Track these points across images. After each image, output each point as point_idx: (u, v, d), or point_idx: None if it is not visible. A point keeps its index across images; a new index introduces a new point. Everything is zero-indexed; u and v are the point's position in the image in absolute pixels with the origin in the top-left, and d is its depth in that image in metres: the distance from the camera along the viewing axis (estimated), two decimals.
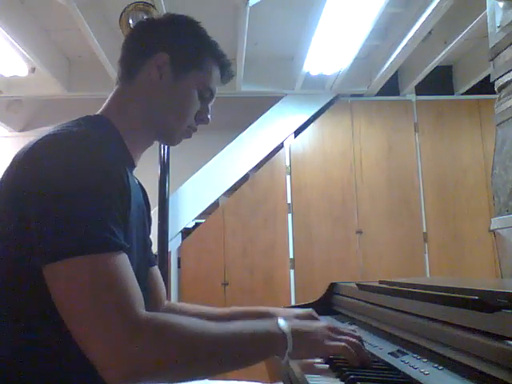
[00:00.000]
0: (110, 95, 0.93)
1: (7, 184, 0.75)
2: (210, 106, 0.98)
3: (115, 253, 0.68)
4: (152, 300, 1.02)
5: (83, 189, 0.69)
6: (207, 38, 0.96)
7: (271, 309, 1.08)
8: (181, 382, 0.73)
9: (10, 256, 0.73)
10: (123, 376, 0.64)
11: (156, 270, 1.08)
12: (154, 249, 3.21)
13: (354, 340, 0.83)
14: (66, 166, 0.70)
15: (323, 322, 0.88)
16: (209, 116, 0.97)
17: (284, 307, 1.26)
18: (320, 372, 0.83)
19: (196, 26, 0.95)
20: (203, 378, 0.74)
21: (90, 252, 0.66)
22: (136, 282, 0.70)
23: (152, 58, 0.90)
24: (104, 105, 0.92)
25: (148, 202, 1.02)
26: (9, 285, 0.73)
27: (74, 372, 0.72)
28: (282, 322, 0.79)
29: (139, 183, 0.98)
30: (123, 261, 0.69)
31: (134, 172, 0.95)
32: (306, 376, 0.79)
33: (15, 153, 0.78)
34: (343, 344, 0.81)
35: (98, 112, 0.91)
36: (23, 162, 0.73)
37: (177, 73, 0.91)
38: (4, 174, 0.76)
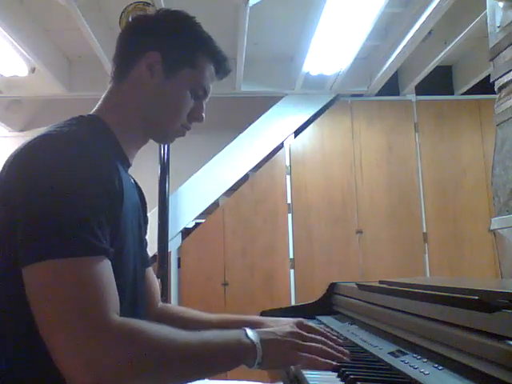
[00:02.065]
0: (104, 94, 0.92)
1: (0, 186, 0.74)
2: (204, 103, 0.96)
3: (95, 257, 0.67)
4: (146, 301, 1.01)
5: (68, 191, 0.68)
6: (201, 34, 0.93)
7: (263, 319, 1.06)
8: None
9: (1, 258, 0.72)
10: (90, 382, 0.62)
11: (150, 271, 1.07)
12: (154, 249, 3.25)
13: (321, 346, 0.83)
14: (53, 168, 0.70)
15: (288, 327, 0.86)
16: (203, 114, 0.95)
17: (282, 307, 1.26)
18: (320, 371, 0.83)
19: (190, 21, 0.93)
20: None
21: (68, 255, 0.65)
22: (114, 287, 0.69)
23: (143, 57, 0.89)
24: (98, 104, 0.91)
25: (144, 202, 1.01)
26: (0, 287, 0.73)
27: (53, 377, 0.70)
28: (250, 332, 0.79)
29: (135, 182, 0.97)
30: (102, 265, 0.68)
31: (133, 171, 0.95)
32: (306, 376, 0.79)
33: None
34: (312, 357, 0.81)
35: (92, 111, 0.90)
36: (14, 163, 0.73)
37: (168, 71, 0.89)
38: None
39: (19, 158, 0.73)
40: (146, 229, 1.00)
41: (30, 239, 0.66)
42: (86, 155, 0.73)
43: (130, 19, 0.99)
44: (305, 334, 0.86)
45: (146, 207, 1.02)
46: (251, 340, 0.78)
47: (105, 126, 0.86)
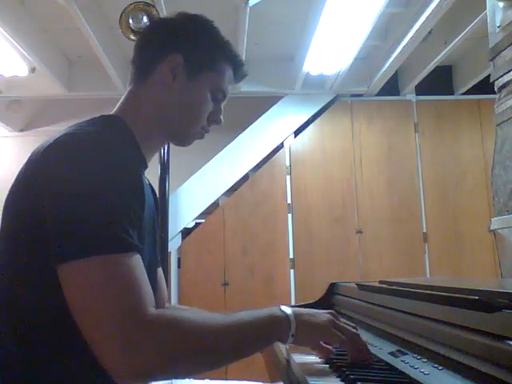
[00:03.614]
0: (124, 95, 0.94)
1: (24, 182, 0.75)
2: (222, 106, 0.98)
3: (129, 253, 0.69)
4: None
5: (99, 189, 0.70)
6: (220, 38, 0.95)
7: None
8: (194, 374, 0.74)
9: (21, 255, 0.73)
10: (136, 376, 0.64)
11: (160, 271, 1.08)
12: None
13: (355, 331, 0.84)
14: (82, 166, 0.71)
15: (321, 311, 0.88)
16: (221, 117, 0.98)
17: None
18: (320, 372, 0.83)
19: (209, 25, 0.95)
20: (215, 369, 0.74)
21: (104, 252, 0.66)
22: (148, 282, 0.71)
23: (165, 60, 0.90)
24: (118, 105, 0.93)
25: (157, 204, 1.02)
26: (20, 285, 0.73)
27: (87, 374, 0.72)
28: (284, 307, 0.82)
29: (150, 184, 0.98)
30: (136, 261, 0.70)
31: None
32: (306, 376, 0.79)
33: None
34: (344, 338, 0.83)
35: (113, 112, 0.92)
36: (40, 161, 0.74)
37: (190, 74, 0.90)
38: (20, 172, 0.77)
39: (47, 155, 0.73)
40: (158, 230, 1.01)
41: (66, 237, 0.67)
42: (114, 155, 0.74)
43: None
44: (339, 318, 0.87)
45: (158, 209, 1.03)
46: (284, 313, 0.80)
47: (126, 128, 0.87)
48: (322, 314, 0.85)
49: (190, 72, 0.90)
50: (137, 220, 0.74)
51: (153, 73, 0.91)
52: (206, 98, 0.93)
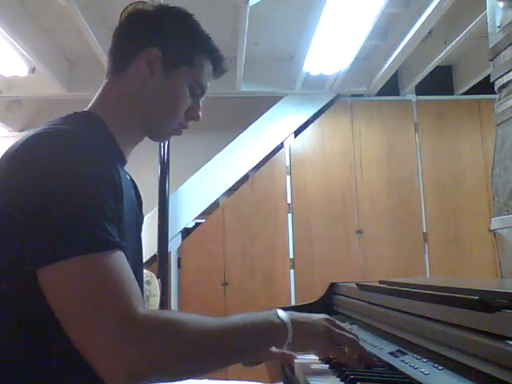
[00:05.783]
0: (100, 90, 0.91)
1: None
2: (201, 102, 0.95)
3: (111, 252, 0.67)
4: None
5: (74, 188, 0.67)
6: (200, 32, 0.93)
7: None
8: (185, 378, 0.72)
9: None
10: (126, 377, 0.62)
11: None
12: (154, 249, 3.24)
13: (355, 338, 0.83)
14: (55, 166, 0.68)
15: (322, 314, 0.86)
16: (200, 113, 0.95)
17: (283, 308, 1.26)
18: (320, 372, 0.83)
19: (189, 19, 0.92)
20: (206, 373, 0.72)
21: (84, 252, 0.64)
22: (134, 279, 0.69)
23: (143, 53, 0.87)
24: (93, 100, 0.90)
25: (140, 198, 0.99)
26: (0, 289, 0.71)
27: (72, 378, 0.71)
28: (281, 313, 0.79)
29: (131, 178, 0.96)
30: (119, 259, 0.68)
31: (133, 171, 0.94)
32: (306, 376, 0.79)
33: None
34: (341, 351, 0.81)
35: (87, 108, 0.89)
36: (11, 161, 0.71)
37: (168, 68, 0.88)
38: None
39: (18, 156, 0.71)
40: (141, 225, 0.98)
41: (43, 240, 0.65)
42: (87, 152, 0.72)
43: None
44: (338, 323, 0.85)
45: (141, 205, 1.00)
46: (282, 320, 0.77)
47: (100, 123, 0.85)
48: (320, 324, 0.82)
49: (167, 66, 0.88)
50: (115, 216, 0.71)
51: (129, 66, 0.88)
52: (184, 94, 0.90)
